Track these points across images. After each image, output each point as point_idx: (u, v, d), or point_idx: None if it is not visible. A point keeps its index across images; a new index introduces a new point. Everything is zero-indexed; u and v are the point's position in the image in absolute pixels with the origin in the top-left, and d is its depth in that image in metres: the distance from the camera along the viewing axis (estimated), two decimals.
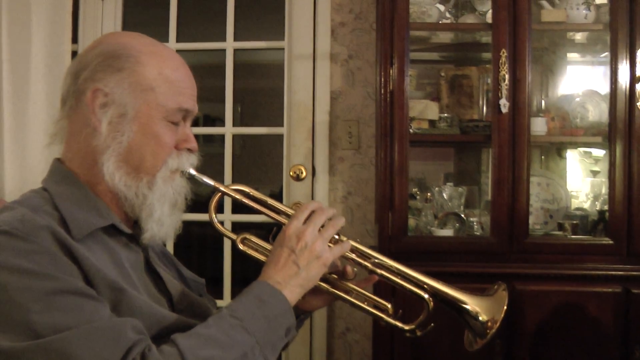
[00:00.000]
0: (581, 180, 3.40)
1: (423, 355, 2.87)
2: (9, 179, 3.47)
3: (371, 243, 3.41)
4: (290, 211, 1.57)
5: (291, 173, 3.57)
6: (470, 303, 1.57)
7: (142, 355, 1.26)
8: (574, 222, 3.04)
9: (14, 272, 1.25)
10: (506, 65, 2.89)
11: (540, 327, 2.82)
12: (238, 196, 1.59)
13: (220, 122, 3.78)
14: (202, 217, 1.61)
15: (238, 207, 3.63)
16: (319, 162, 3.56)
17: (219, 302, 3.75)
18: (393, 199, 2.93)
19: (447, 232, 3.02)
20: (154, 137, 1.46)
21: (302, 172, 3.55)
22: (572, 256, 2.90)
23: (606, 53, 3.02)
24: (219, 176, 3.77)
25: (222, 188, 1.58)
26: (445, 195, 3.15)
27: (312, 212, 1.53)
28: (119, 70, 1.44)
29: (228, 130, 3.75)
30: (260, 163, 5.94)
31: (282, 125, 3.65)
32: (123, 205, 1.47)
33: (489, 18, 3.04)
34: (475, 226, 3.09)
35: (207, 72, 5.00)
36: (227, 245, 3.71)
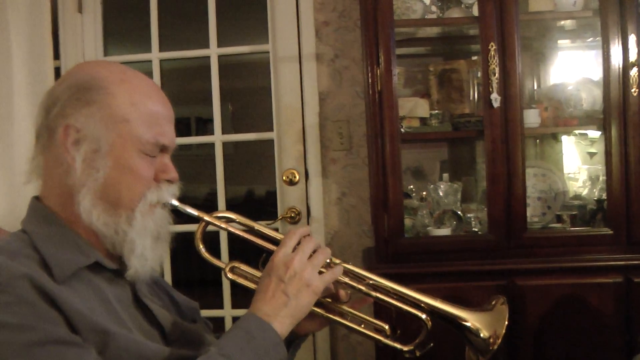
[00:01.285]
0: (578, 166, 3.35)
1: (426, 355, 2.84)
2: (0, 203, 3.42)
3: (368, 244, 3.39)
4: (279, 236, 1.54)
5: (284, 178, 3.52)
6: (471, 319, 1.54)
7: None
8: (573, 213, 3.01)
9: None
10: (495, 58, 2.84)
11: (542, 321, 2.80)
12: (223, 225, 1.56)
13: (212, 123, 3.75)
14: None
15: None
16: (311, 165, 3.52)
17: (219, 312, 3.74)
18: (387, 201, 2.88)
19: (445, 231, 2.98)
20: (130, 170, 1.42)
21: (294, 176, 3.51)
22: (571, 248, 2.87)
23: (597, 38, 2.96)
24: (212, 180, 3.74)
25: (206, 217, 1.56)
26: (440, 192, 3.10)
27: (301, 239, 1.50)
28: (89, 103, 1.40)
29: (217, 138, 3.69)
30: (255, 162, 5.90)
31: (272, 128, 3.60)
32: (103, 242, 1.43)
33: (475, 10, 2.99)
34: (473, 222, 3.05)
35: (195, 74, 4.95)
36: (224, 249, 3.70)
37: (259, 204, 5.92)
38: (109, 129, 1.40)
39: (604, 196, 2.96)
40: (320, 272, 1.48)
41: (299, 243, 1.50)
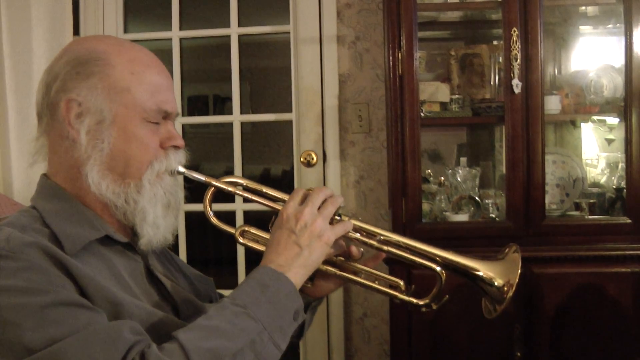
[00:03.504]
0: (597, 153, 3.33)
1: (441, 339, 2.85)
2: (16, 176, 3.45)
3: (386, 228, 3.36)
4: (287, 197, 1.53)
5: (302, 159, 3.52)
6: (483, 269, 1.53)
7: (142, 354, 1.22)
8: (591, 201, 2.99)
9: (3, 292, 1.22)
10: (518, 44, 2.81)
11: (559, 309, 2.79)
12: (232, 189, 1.56)
13: (230, 101, 3.75)
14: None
15: None
16: (329, 147, 3.52)
17: None
18: (406, 186, 2.88)
19: (462, 217, 2.97)
20: (136, 139, 1.42)
21: (312, 158, 3.51)
22: (590, 237, 2.85)
23: (618, 24, 2.94)
24: (228, 158, 3.74)
25: (214, 182, 1.55)
26: (459, 178, 3.09)
27: (310, 191, 1.49)
28: (89, 75, 1.40)
29: (236, 118, 3.70)
30: (272, 142, 5.90)
31: (290, 109, 3.60)
32: (115, 213, 1.43)
33: None
34: (491, 208, 3.04)
35: (214, 52, 4.95)
36: (239, 221, 3.68)
37: (275, 183, 5.93)
38: (111, 99, 1.40)
39: (623, 184, 2.94)
40: (331, 226, 1.47)
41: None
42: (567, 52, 3.34)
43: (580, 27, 3.33)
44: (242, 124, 3.73)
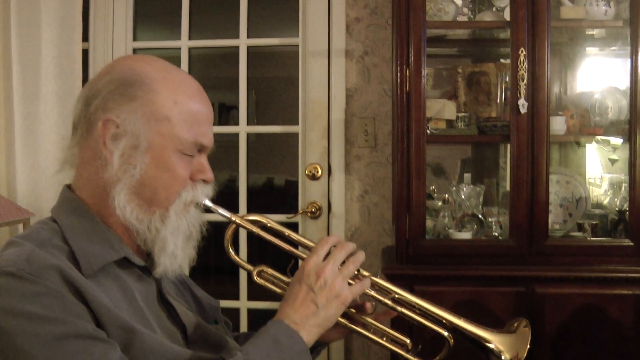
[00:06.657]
0: (600, 172, 3.34)
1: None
2: (21, 181, 3.46)
3: (388, 243, 3.39)
4: (310, 243, 1.55)
5: (307, 172, 3.53)
6: (494, 341, 1.53)
7: None
8: (594, 222, 3.00)
9: (19, 317, 1.21)
10: (525, 64, 2.83)
11: (561, 329, 2.79)
12: (254, 229, 1.56)
13: (236, 110, 3.76)
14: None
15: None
16: (334, 160, 3.53)
17: (234, 303, 3.75)
18: (410, 202, 2.88)
19: (466, 234, 2.97)
20: (168, 169, 1.42)
21: (317, 171, 3.52)
22: (592, 258, 2.86)
23: (626, 47, 2.95)
24: (232, 167, 3.74)
25: (237, 220, 1.55)
26: (463, 195, 3.10)
27: (333, 247, 1.50)
28: (131, 99, 1.39)
29: (242, 129, 3.71)
30: (276, 152, 5.90)
31: (297, 121, 3.61)
32: (135, 238, 1.43)
33: (507, 14, 2.98)
34: (494, 226, 3.05)
35: (222, 60, 4.95)
36: (242, 237, 3.70)
37: (278, 193, 5.93)
38: (150, 126, 1.39)
39: (626, 207, 2.95)
40: (349, 283, 1.49)
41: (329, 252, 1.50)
42: (573, 73, 3.36)
43: (587, 49, 3.35)
44: (248, 134, 3.74)
